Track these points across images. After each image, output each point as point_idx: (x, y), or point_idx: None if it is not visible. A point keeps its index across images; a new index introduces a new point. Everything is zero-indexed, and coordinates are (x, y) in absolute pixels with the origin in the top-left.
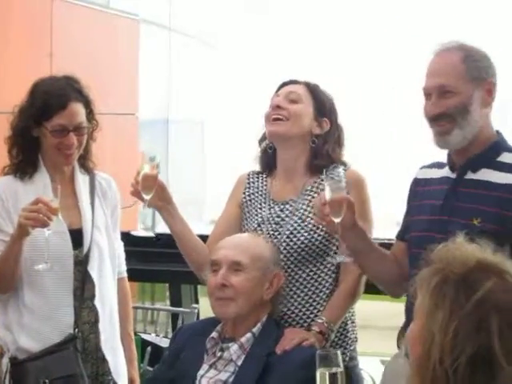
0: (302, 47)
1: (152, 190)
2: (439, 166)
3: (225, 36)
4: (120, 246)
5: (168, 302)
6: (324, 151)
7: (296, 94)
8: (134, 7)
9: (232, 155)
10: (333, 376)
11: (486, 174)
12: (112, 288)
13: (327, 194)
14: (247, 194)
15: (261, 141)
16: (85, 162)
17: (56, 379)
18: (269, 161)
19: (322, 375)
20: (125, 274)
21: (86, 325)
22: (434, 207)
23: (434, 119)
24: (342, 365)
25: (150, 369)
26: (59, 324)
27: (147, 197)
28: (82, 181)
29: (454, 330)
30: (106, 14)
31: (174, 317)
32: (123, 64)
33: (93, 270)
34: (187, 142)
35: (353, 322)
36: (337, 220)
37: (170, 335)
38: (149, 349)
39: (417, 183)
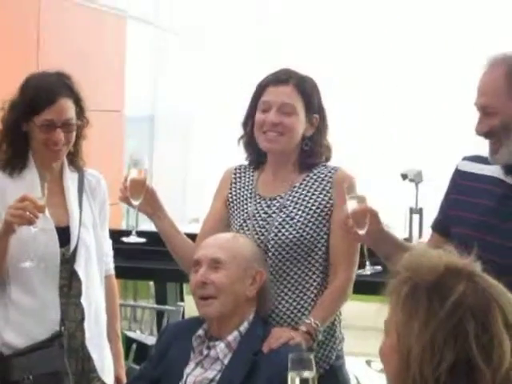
0: (291, 43)
1: (140, 196)
2: (484, 161)
3: (211, 33)
4: (108, 244)
5: (151, 300)
6: (315, 152)
7: (290, 106)
8: (122, 3)
9: (216, 154)
10: (303, 381)
11: None
12: (99, 286)
13: (349, 207)
14: (233, 189)
15: (245, 124)
16: (74, 160)
17: (40, 376)
18: (255, 151)
19: (292, 380)
20: (112, 272)
21: (72, 322)
22: (486, 209)
23: (484, 137)
24: (314, 369)
25: (136, 366)
26: (45, 321)
27: (136, 202)
28: (70, 178)
29: (430, 338)
30: (94, 9)
31: (160, 315)
32: (110, 60)
33: (79, 267)
34: (173, 139)
35: (340, 322)
36: (361, 232)
37: (154, 333)
38: (134, 346)
39: (461, 176)
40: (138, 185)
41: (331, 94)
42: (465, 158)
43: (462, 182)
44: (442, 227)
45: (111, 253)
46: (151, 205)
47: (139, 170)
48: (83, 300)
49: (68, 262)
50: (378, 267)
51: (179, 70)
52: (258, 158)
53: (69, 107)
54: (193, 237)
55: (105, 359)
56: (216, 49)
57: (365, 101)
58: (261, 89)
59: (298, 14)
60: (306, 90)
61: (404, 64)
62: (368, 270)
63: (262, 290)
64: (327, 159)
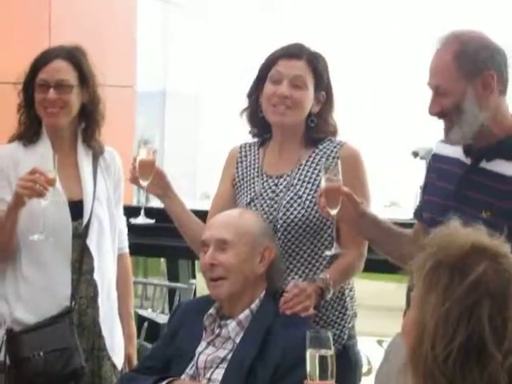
0: (300, 21)
1: (149, 177)
2: None
3: (221, 8)
4: (123, 222)
5: (161, 278)
6: (320, 129)
7: (302, 79)
8: None
9: (226, 129)
10: (323, 358)
11: (500, 166)
12: (111, 263)
13: (323, 185)
14: (240, 168)
15: (250, 95)
16: (91, 142)
17: (50, 351)
18: (260, 123)
19: (311, 357)
20: (126, 250)
21: (83, 299)
22: (447, 192)
23: (438, 118)
24: (332, 347)
25: (147, 344)
26: (56, 296)
27: (144, 183)
28: (84, 152)
29: (445, 314)
30: None
31: (171, 292)
32: (121, 36)
33: (91, 242)
34: (184, 114)
35: (351, 298)
36: (332, 212)
37: (166, 311)
38: (145, 324)
39: (434, 159)
40: (147, 166)
41: (344, 74)
42: (441, 141)
43: (434, 165)
44: (421, 214)
45: (125, 231)
46: (160, 186)
47: (148, 150)
48: (96, 276)
49: (80, 236)
50: (338, 249)
51: (190, 46)
52: (262, 130)
53: (63, 68)
54: (203, 213)
55: (115, 337)
56: (228, 24)
57: (377, 80)
58: (271, 61)
59: None
60: (318, 68)
61: (415, 43)
62: (333, 250)
63: (272, 265)
64: (333, 135)
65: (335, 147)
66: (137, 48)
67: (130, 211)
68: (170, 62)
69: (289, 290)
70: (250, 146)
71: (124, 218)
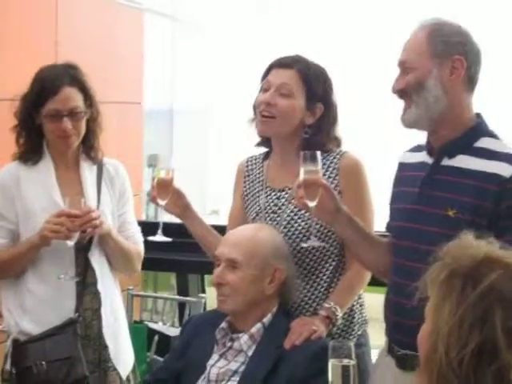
0: (306, 38)
1: (167, 196)
2: (419, 149)
3: (229, 26)
4: (134, 227)
5: (170, 292)
6: (316, 142)
7: (288, 87)
8: None
9: (235, 145)
10: (345, 368)
11: (463, 161)
12: (114, 276)
13: (301, 177)
14: (247, 182)
15: (254, 107)
16: (91, 154)
17: (53, 361)
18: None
19: (334, 367)
20: (141, 245)
21: (88, 311)
22: (411, 195)
23: (398, 96)
24: (354, 357)
25: (158, 358)
26: (61, 308)
27: (162, 202)
28: (88, 168)
29: (458, 320)
30: (111, 2)
31: (181, 306)
32: (128, 53)
33: (93, 256)
34: (192, 131)
35: (360, 306)
36: (311, 204)
37: (176, 324)
38: (156, 338)
39: (400, 168)
40: (164, 185)
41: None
42: (406, 151)
43: (399, 174)
44: (391, 226)
45: (139, 234)
46: (178, 205)
47: (167, 170)
48: (100, 287)
49: (84, 249)
50: (315, 241)
51: (197, 62)
52: (266, 141)
53: (73, 96)
54: (214, 228)
55: (120, 349)
56: (234, 42)
57: (385, 91)
58: (266, 71)
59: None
60: (309, 77)
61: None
62: (310, 242)
63: (284, 285)
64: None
65: (335, 158)
66: (144, 65)
67: (146, 227)
68: (178, 79)
69: (293, 325)
70: (255, 159)
71: (135, 222)
